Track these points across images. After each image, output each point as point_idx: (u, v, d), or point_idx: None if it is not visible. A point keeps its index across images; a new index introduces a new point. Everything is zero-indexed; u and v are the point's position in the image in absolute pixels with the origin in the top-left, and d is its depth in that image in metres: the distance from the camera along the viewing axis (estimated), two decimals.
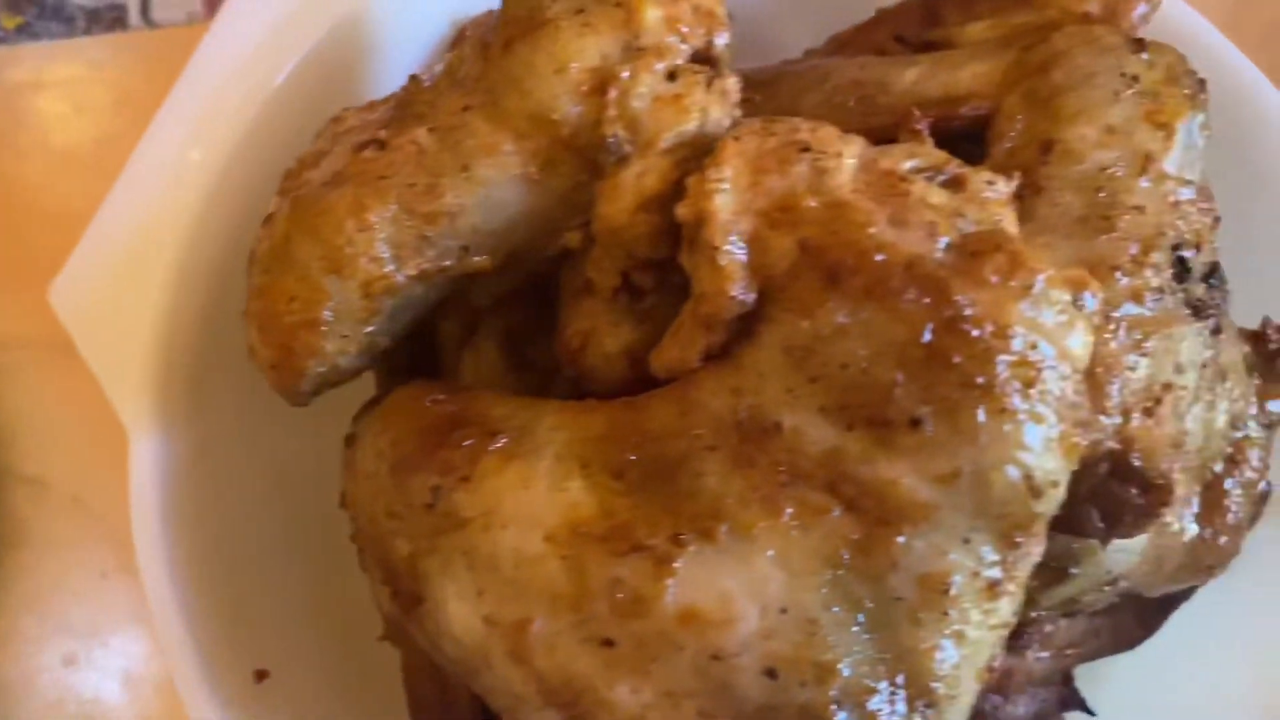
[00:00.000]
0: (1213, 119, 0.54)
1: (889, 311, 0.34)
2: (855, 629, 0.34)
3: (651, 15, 0.40)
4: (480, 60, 0.42)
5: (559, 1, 0.41)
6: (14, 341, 0.67)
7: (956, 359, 0.34)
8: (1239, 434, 0.50)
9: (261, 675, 0.47)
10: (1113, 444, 0.37)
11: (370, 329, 0.41)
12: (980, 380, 0.33)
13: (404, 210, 0.40)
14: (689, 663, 0.34)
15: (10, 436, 0.65)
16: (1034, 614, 0.44)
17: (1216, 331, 0.45)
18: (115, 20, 0.77)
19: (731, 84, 0.42)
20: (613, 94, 0.39)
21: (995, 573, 0.35)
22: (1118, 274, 0.42)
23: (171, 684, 0.59)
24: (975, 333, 0.34)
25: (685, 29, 0.41)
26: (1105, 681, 0.55)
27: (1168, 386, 0.43)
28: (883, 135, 0.43)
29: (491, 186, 0.41)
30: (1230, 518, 0.50)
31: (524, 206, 0.41)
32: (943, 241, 0.36)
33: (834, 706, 0.33)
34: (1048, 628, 0.51)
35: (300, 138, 0.50)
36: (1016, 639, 0.49)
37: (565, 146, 0.40)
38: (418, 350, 0.52)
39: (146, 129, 0.52)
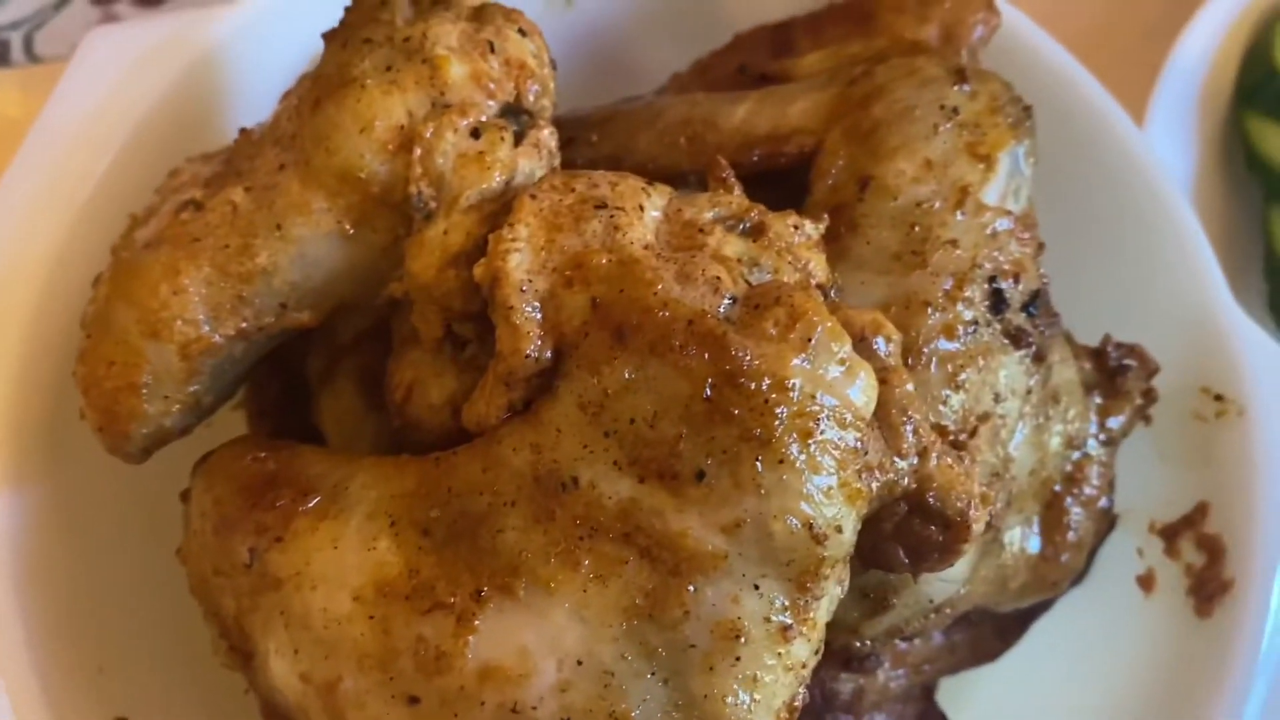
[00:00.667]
0: (1060, 134, 0.55)
1: (672, 367, 0.35)
2: (650, 678, 0.35)
3: (457, 72, 0.41)
4: (296, 118, 0.43)
5: (369, 59, 0.41)
6: None
7: (736, 412, 0.34)
8: (1078, 454, 0.51)
9: None
10: (910, 484, 0.38)
11: (193, 388, 0.42)
12: (759, 432, 0.34)
13: (218, 271, 0.41)
14: (489, 717, 0.35)
15: None
16: (859, 644, 0.45)
17: (1039, 358, 0.46)
18: None
19: (546, 135, 0.43)
20: (417, 152, 0.40)
21: (787, 617, 0.35)
22: (930, 310, 0.43)
23: None
24: (753, 386, 0.35)
25: (493, 84, 0.41)
26: (973, 691, 0.57)
27: (985, 417, 0.44)
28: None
29: (306, 244, 0.41)
30: (1071, 535, 0.51)
31: (342, 261, 0.42)
32: (727, 296, 0.36)
33: None
34: (901, 646, 0.52)
35: (154, 182, 0.51)
36: (863, 661, 0.50)
37: (377, 203, 0.41)
38: (287, 386, 0.53)
39: None
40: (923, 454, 0.39)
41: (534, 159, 0.42)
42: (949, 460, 0.39)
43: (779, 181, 0.48)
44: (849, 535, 0.36)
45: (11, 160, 0.55)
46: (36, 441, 0.50)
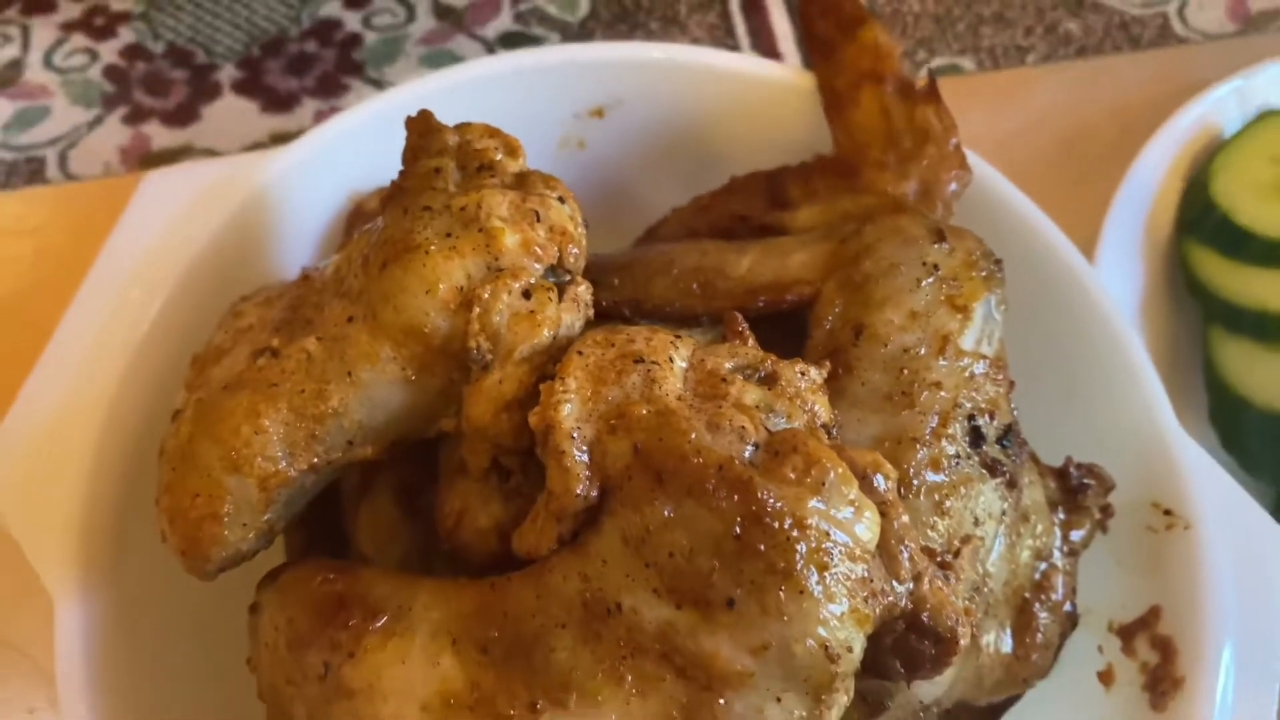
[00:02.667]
0: (1024, 278, 0.62)
1: (705, 508, 0.41)
2: None
3: (510, 241, 0.47)
4: (362, 274, 0.48)
5: (430, 226, 0.47)
6: None
7: (762, 548, 0.40)
8: (1045, 565, 0.57)
9: None
10: (907, 605, 0.44)
11: (268, 516, 0.47)
12: (782, 566, 0.40)
13: (295, 413, 0.46)
14: None
15: None
16: None
17: (1012, 485, 0.52)
18: (34, 173, 0.82)
19: (583, 290, 0.49)
20: (476, 311, 0.46)
21: None
22: (919, 446, 0.49)
23: None
24: (777, 525, 0.40)
25: (540, 249, 0.47)
26: None
27: (967, 539, 0.50)
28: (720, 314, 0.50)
29: (373, 389, 0.47)
30: (1039, 637, 0.57)
31: (403, 403, 0.47)
32: (751, 443, 0.42)
33: None
34: None
35: (207, 317, 0.56)
36: None
37: (437, 353, 0.46)
38: (321, 501, 0.58)
39: (65, 310, 0.58)
40: (917, 578, 0.45)
41: (574, 313, 0.48)
42: (939, 582, 0.45)
43: (780, 322, 0.55)
44: (858, 653, 0.41)
45: (45, 276, 0.60)
46: (103, 556, 0.54)
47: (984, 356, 0.53)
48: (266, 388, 0.46)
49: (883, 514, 0.44)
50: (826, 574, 0.40)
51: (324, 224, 0.65)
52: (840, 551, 0.41)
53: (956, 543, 0.50)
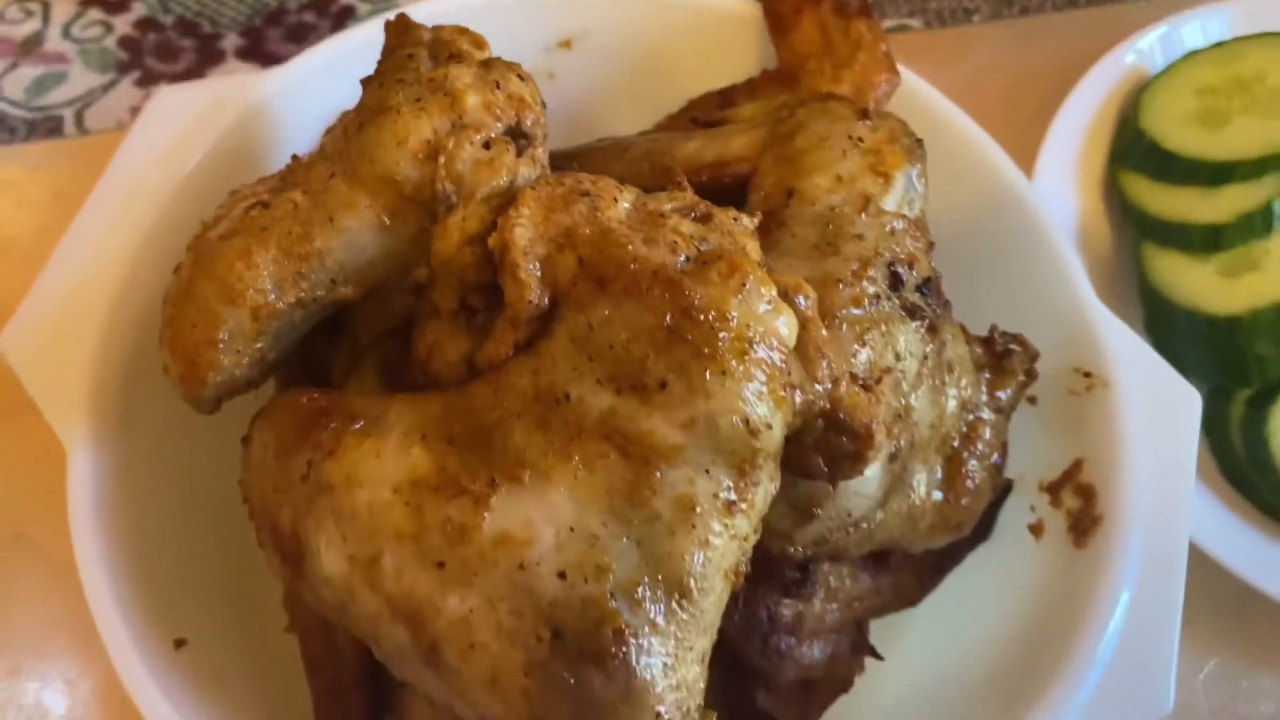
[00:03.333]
0: (951, 170, 0.68)
1: (641, 305, 0.46)
2: (626, 541, 0.45)
3: (472, 101, 0.53)
4: (342, 139, 0.55)
5: (402, 93, 0.54)
6: None
7: (689, 337, 0.45)
8: (971, 416, 0.62)
9: (180, 643, 0.57)
10: (825, 404, 0.49)
11: (259, 345, 0.52)
12: (707, 351, 0.45)
13: (282, 253, 0.52)
14: (502, 574, 0.45)
15: None
16: (793, 550, 0.55)
17: (932, 329, 0.58)
18: (51, 130, 0.89)
19: (540, 153, 0.55)
20: (442, 159, 0.52)
21: (731, 495, 0.46)
22: (841, 285, 0.55)
23: (104, 688, 0.68)
24: (702, 317, 0.46)
25: (499, 110, 0.53)
26: (900, 631, 0.67)
27: (888, 370, 0.56)
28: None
29: (353, 233, 0.53)
30: (969, 484, 0.62)
31: (380, 248, 0.53)
32: (683, 255, 0.48)
33: (609, 596, 0.44)
34: (832, 582, 0.62)
35: (211, 207, 0.62)
36: (800, 588, 0.60)
37: (409, 201, 0.52)
38: (312, 381, 0.64)
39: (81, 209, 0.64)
40: (835, 382, 0.50)
41: (531, 169, 0.54)
42: (856, 389, 0.51)
43: (722, 198, 0.61)
44: (777, 433, 0.46)
45: (62, 219, 0.67)
46: (113, 414, 0.60)
47: (904, 216, 0.58)
48: (258, 231, 0.52)
49: (802, 327, 0.49)
50: (746, 359, 0.46)
51: (319, 134, 0.71)
52: (759, 342, 0.46)
53: (878, 371, 0.55)
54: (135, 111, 0.90)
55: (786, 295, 0.50)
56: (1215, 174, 0.80)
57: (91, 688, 0.69)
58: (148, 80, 0.91)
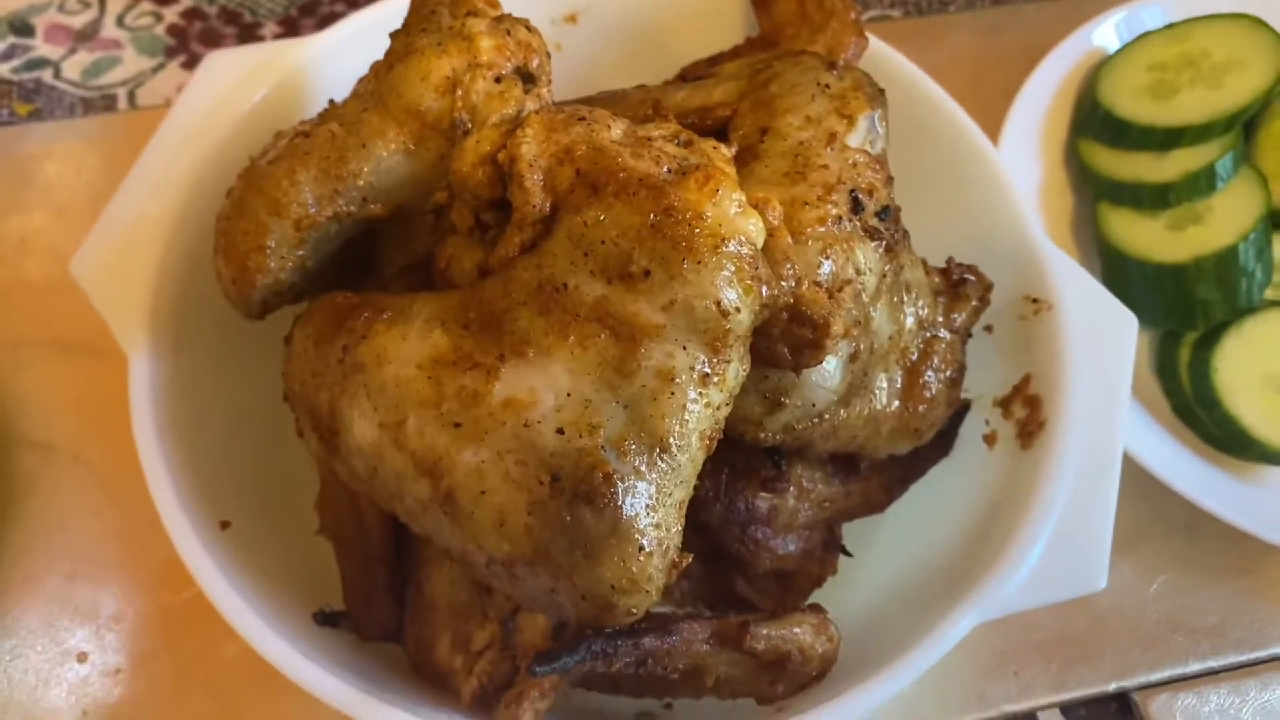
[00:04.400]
0: (915, 122, 0.76)
1: (629, 206, 0.54)
2: (615, 404, 0.53)
3: (486, 44, 0.61)
4: (373, 79, 0.63)
5: (425, 38, 0.62)
6: (25, 342, 0.86)
7: (669, 232, 0.53)
8: (929, 334, 0.70)
9: (225, 524, 0.64)
10: (789, 300, 0.57)
11: (300, 252, 0.60)
12: (684, 244, 0.53)
13: (321, 173, 0.60)
14: (509, 431, 0.53)
15: (23, 412, 0.83)
16: (764, 435, 0.62)
17: (890, 251, 0.65)
18: (106, 106, 0.98)
19: (545, 92, 0.63)
20: (459, 92, 0.60)
21: (706, 369, 0.53)
22: (807, 206, 0.63)
23: (152, 587, 0.76)
24: (681, 215, 0.53)
25: (510, 52, 0.62)
26: (870, 535, 0.74)
27: (848, 281, 0.63)
28: None
29: (381, 157, 0.61)
30: (926, 393, 0.69)
31: (406, 170, 0.61)
32: (666, 167, 0.56)
33: (600, 448, 0.52)
34: (805, 483, 0.70)
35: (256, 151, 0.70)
36: (775, 483, 0.68)
37: (431, 128, 0.61)
38: None
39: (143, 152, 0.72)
40: (798, 282, 0.58)
41: (536, 104, 0.62)
42: (816, 288, 0.58)
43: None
44: (744, 317, 0.54)
45: (116, 183, 0.75)
46: (169, 329, 0.68)
47: (866, 153, 0.66)
48: (301, 155, 0.61)
49: (771, 235, 0.57)
50: (719, 251, 0.53)
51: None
52: (730, 238, 0.53)
53: (840, 281, 0.63)
54: (181, 90, 0.99)
55: (757, 208, 0.58)
56: (1165, 139, 0.88)
57: (135, 591, 0.77)
58: (193, 63, 1.00)
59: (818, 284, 0.61)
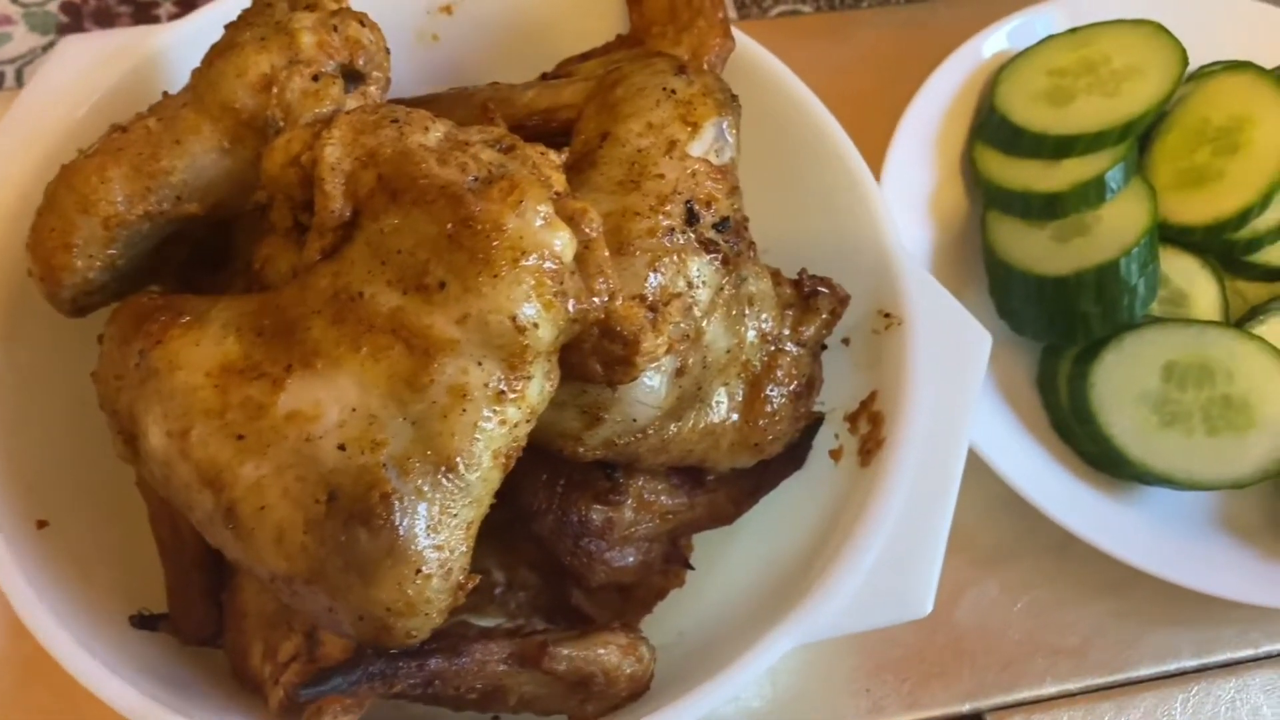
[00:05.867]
0: (785, 129, 0.74)
1: (427, 215, 0.52)
2: (402, 420, 0.51)
3: (307, 40, 0.59)
4: (194, 75, 0.61)
5: (249, 32, 0.60)
6: None
7: (466, 244, 0.52)
8: (773, 348, 0.68)
9: (42, 524, 0.63)
10: (600, 315, 0.55)
11: (110, 251, 0.59)
12: (481, 256, 0.51)
13: (134, 169, 0.59)
14: (291, 445, 0.51)
15: None
16: (583, 450, 0.61)
17: (727, 263, 0.64)
18: None
19: (373, 90, 0.62)
20: (274, 90, 0.58)
21: (502, 386, 0.52)
22: (639, 218, 0.61)
23: None
24: (480, 227, 0.52)
25: (332, 50, 0.60)
26: (727, 549, 0.73)
27: (677, 294, 0.61)
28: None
29: (196, 154, 0.59)
30: (768, 408, 0.68)
31: (221, 169, 0.60)
32: (472, 175, 0.54)
33: (382, 466, 0.51)
34: (646, 495, 0.68)
35: None
36: (611, 495, 0.66)
37: (246, 126, 0.59)
38: None
39: None
40: (612, 296, 0.56)
41: (361, 103, 0.60)
42: (632, 304, 0.57)
43: (550, 142, 0.67)
44: (544, 333, 0.52)
45: None
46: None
47: (707, 162, 0.65)
48: (114, 151, 0.59)
49: (585, 247, 0.56)
50: (517, 265, 0.52)
51: None
52: (531, 252, 0.52)
53: (668, 295, 0.61)
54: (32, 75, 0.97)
55: (573, 219, 0.56)
56: (1057, 147, 0.86)
57: None
58: None
59: (643, 297, 0.60)
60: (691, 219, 0.63)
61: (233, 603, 0.64)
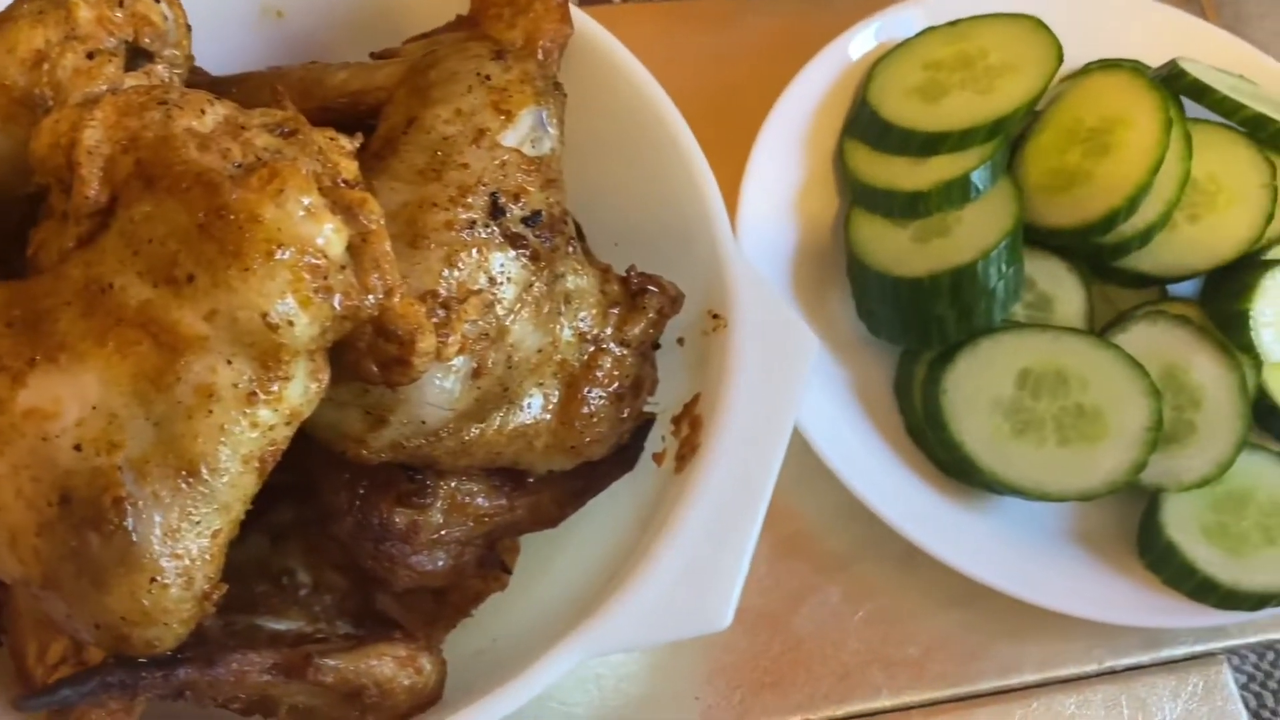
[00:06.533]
0: (625, 120, 0.72)
1: (179, 203, 0.50)
2: (144, 420, 0.49)
3: (84, 14, 0.56)
4: None
5: (27, 5, 0.57)
6: None
7: (217, 234, 0.49)
8: (593, 348, 0.66)
9: None
10: (374, 312, 0.53)
11: None
12: (231, 248, 0.49)
13: None
14: (28, 444, 0.49)
15: None
16: (367, 453, 0.58)
17: (536, 259, 0.61)
18: None
19: (160, 70, 0.59)
20: (45, 66, 0.55)
21: (253, 386, 0.49)
22: (437, 209, 0.58)
23: None
24: (234, 217, 0.49)
25: (113, 26, 0.57)
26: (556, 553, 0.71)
27: (477, 291, 0.59)
28: (316, 116, 0.59)
29: None
30: (586, 408, 0.65)
31: None
32: (234, 163, 0.52)
33: (118, 469, 0.48)
34: (458, 497, 0.66)
35: None
36: (415, 498, 0.64)
37: (19, 104, 0.56)
38: None
39: None
40: (389, 293, 0.54)
41: (144, 81, 0.57)
42: (410, 301, 0.54)
43: (359, 125, 0.64)
44: (303, 331, 0.50)
45: None
46: None
47: (519, 153, 0.62)
48: None
49: (363, 239, 0.53)
50: (271, 259, 0.49)
51: None
52: (289, 245, 0.49)
53: (464, 291, 0.58)
54: None
55: (351, 209, 0.53)
56: (925, 144, 0.84)
57: None
58: None
59: (435, 294, 0.57)
60: (496, 212, 0.60)
61: (11, 600, 0.61)
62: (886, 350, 0.85)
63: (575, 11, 0.73)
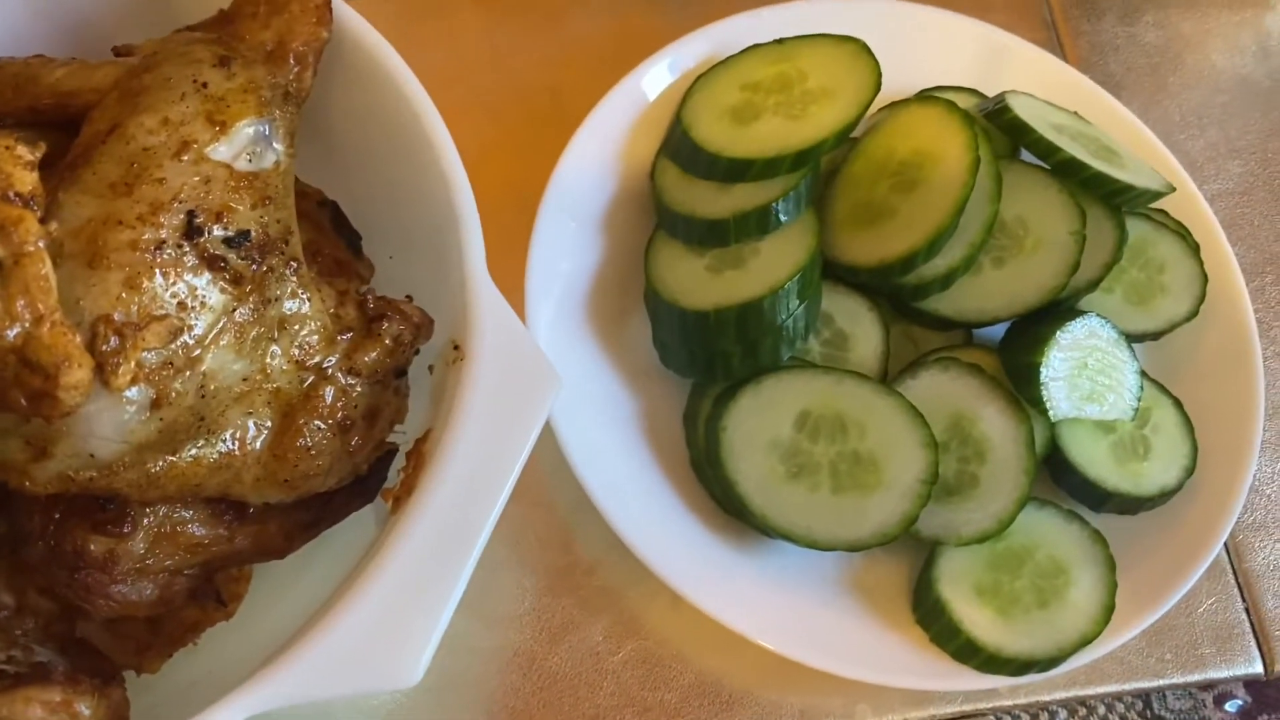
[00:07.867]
0: (386, 131, 0.68)
1: None
2: None
3: None
4: None
5: None
6: None
7: None
8: (313, 377, 0.62)
9: None
10: (18, 341, 0.49)
11: None
12: None
13: None
14: None
15: None
16: (29, 485, 0.55)
17: (239, 282, 0.58)
18: None
19: None
20: None
21: None
22: (122, 227, 0.55)
23: None
24: None
25: None
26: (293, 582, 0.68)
27: (162, 317, 0.55)
28: (30, 115, 0.55)
29: None
30: (303, 440, 0.62)
31: None
32: None
33: None
34: (166, 526, 0.63)
35: None
36: (112, 525, 0.60)
37: None
38: None
39: None
40: (36, 321, 0.50)
41: None
42: (64, 330, 0.51)
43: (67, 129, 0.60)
44: None
45: None
46: None
47: (232, 169, 0.58)
48: None
49: (16, 262, 0.49)
50: None
51: None
52: None
53: (147, 317, 0.55)
54: None
55: (3, 228, 0.50)
56: (731, 170, 0.80)
57: None
58: None
59: (109, 319, 0.53)
60: (193, 232, 0.56)
61: None
62: (681, 381, 0.82)
63: (343, 9, 0.69)
